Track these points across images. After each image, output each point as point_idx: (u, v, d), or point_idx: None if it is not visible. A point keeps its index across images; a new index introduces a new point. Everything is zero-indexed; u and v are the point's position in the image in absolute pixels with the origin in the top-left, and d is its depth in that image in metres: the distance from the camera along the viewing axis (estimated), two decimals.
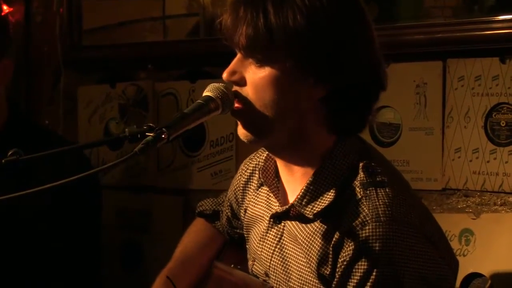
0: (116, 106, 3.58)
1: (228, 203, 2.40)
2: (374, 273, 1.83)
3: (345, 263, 1.87)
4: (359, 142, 2.03)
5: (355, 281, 1.85)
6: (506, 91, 2.65)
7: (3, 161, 1.74)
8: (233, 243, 2.47)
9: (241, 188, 2.30)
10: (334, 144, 1.98)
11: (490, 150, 2.69)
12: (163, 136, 1.79)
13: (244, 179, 2.30)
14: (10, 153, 1.75)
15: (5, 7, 3.71)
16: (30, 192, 1.70)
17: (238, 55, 1.97)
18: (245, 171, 2.30)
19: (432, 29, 2.77)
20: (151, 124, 1.82)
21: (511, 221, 2.65)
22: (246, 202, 2.26)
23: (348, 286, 1.87)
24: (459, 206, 2.76)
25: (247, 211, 2.24)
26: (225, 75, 1.97)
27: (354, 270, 1.86)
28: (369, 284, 1.84)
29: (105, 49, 3.62)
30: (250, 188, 2.26)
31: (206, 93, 1.97)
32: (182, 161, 3.40)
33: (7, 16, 2.95)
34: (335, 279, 1.89)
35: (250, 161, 2.31)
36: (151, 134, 1.79)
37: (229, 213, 2.41)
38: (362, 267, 1.84)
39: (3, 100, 2.92)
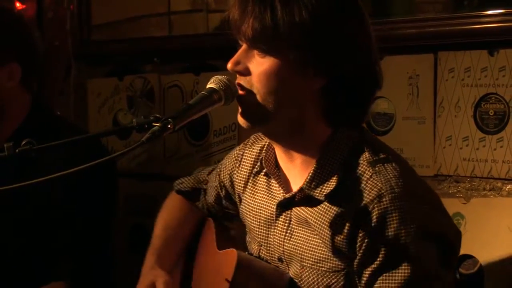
0: (124, 98, 3.58)
1: (222, 184, 2.40)
2: (397, 246, 1.85)
3: (367, 238, 1.89)
4: (357, 130, 2.03)
5: (382, 254, 1.87)
6: (494, 82, 2.65)
7: (16, 150, 1.73)
8: (220, 223, 2.48)
9: (236, 173, 2.31)
10: (332, 134, 1.99)
11: (479, 138, 2.69)
12: (169, 126, 1.80)
13: (238, 166, 2.31)
14: (23, 143, 1.75)
15: (18, 4, 3.71)
16: (48, 179, 1.70)
17: (243, 46, 1.98)
18: (241, 158, 2.31)
19: (423, 24, 2.77)
20: (157, 115, 1.83)
21: (499, 205, 2.66)
22: (242, 188, 2.27)
23: (376, 261, 1.88)
24: (450, 191, 2.76)
25: (245, 198, 2.25)
26: (229, 65, 1.97)
27: (379, 244, 1.87)
28: (395, 256, 1.86)
29: (113, 43, 3.63)
30: (243, 174, 2.27)
31: (209, 85, 1.98)
32: (187, 150, 3.40)
33: (18, 24, 2.92)
34: (359, 255, 1.91)
35: (245, 148, 2.32)
36: (158, 124, 1.80)
37: (221, 193, 2.42)
38: (386, 240, 1.86)
39: (21, 95, 2.89)
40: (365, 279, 1.91)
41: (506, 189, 2.65)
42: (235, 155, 2.35)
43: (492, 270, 2.66)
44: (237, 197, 2.31)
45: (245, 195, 2.25)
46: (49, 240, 2.77)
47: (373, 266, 1.89)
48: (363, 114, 2.03)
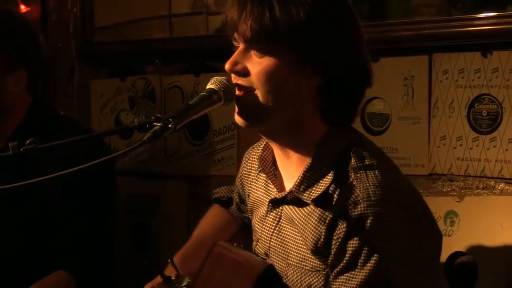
0: (126, 98, 3.59)
1: (236, 190, 2.43)
2: (365, 249, 1.86)
3: (339, 240, 1.89)
4: (350, 130, 2.06)
5: (348, 256, 1.88)
6: (487, 83, 2.66)
7: (21, 149, 1.74)
8: (244, 226, 2.49)
9: (245, 175, 2.33)
10: (327, 132, 2.00)
11: (472, 138, 2.71)
12: (169, 125, 1.82)
13: (246, 167, 2.33)
14: (27, 142, 1.76)
15: (22, 7, 3.72)
16: (48, 178, 1.71)
17: (241, 47, 1.98)
18: (248, 160, 2.33)
19: (418, 26, 2.78)
20: (158, 115, 1.85)
21: (492, 204, 2.67)
22: (249, 188, 2.30)
23: (342, 262, 1.90)
24: (444, 190, 2.78)
25: (250, 196, 2.28)
26: (227, 66, 1.98)
27: (347, 246, 1.88)
28: (361, 258, 1.87)
29: (115, 45, 3.64)
30: (251, 175, 2.30)
31: (209, 86, 1.99)
32: (187, 149, 3.41)
33: (26, 30, 2.93)
34: (331, 255, 1.92)
35: (252, 150, 2.34)
36: (159, 124, 1.82)
37: (237, 199, 2.44)
38: (354, 244, 1.87)
39: (23, 97, 2.91)
40: (332, 277, 1.93)
41: (499, 188, 2.67)
42: (244, 158, 2.37)
43: (485, 267, 2.68)
44: (247, 197, 2.33)
45: (251, 193, 2.28)
46: (49, 240, 2.77)
47: (340, 266, 1.90)
48: (355, 113, 2.04)
